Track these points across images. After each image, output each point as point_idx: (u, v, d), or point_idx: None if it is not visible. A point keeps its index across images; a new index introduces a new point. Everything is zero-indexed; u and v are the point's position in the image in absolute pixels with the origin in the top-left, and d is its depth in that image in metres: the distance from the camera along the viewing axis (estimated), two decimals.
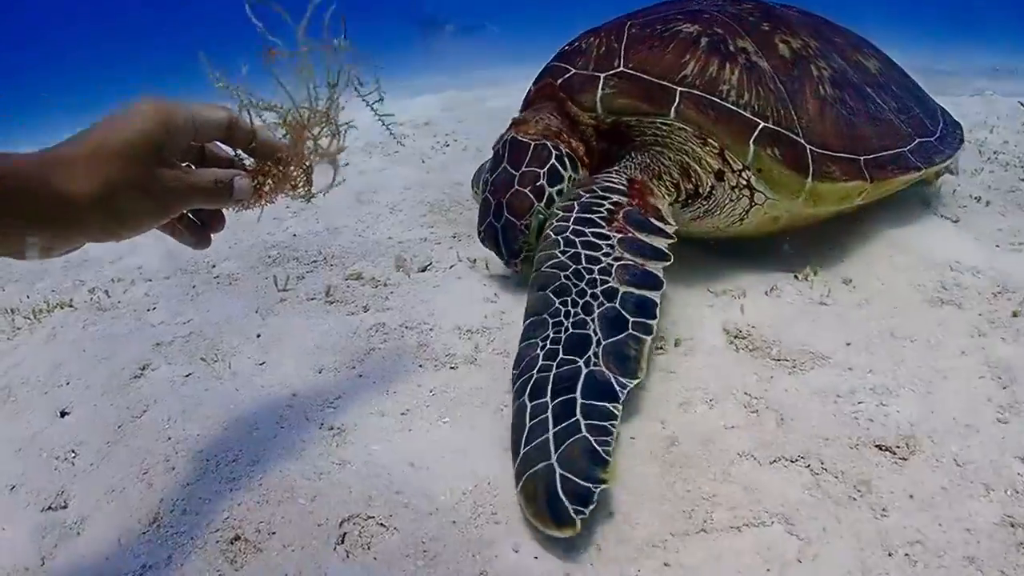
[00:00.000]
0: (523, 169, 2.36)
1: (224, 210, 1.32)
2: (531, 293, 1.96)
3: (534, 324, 1.87)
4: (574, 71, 2.48)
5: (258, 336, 2.24)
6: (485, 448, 1.69)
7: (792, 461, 1.64)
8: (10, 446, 1.91)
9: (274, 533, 1.48)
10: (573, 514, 1.41)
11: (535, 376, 1.72)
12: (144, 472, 1.71)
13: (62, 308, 2.60)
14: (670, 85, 2.31)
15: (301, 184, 1.35)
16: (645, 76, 2.34)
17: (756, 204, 2.35)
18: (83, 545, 1.55)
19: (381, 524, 1.49)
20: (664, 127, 2.34)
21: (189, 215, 1.30)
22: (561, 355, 1.75)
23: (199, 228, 1.33)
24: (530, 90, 2.71)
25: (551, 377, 1.70)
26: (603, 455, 1.51)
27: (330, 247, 2.93)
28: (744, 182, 2.31)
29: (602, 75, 2.39)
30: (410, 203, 3.39)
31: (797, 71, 2.44)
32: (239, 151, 1.31)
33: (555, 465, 1.49)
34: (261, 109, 1.26)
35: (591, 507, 1.43)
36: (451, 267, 2.66)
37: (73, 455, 1.83)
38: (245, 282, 2.65)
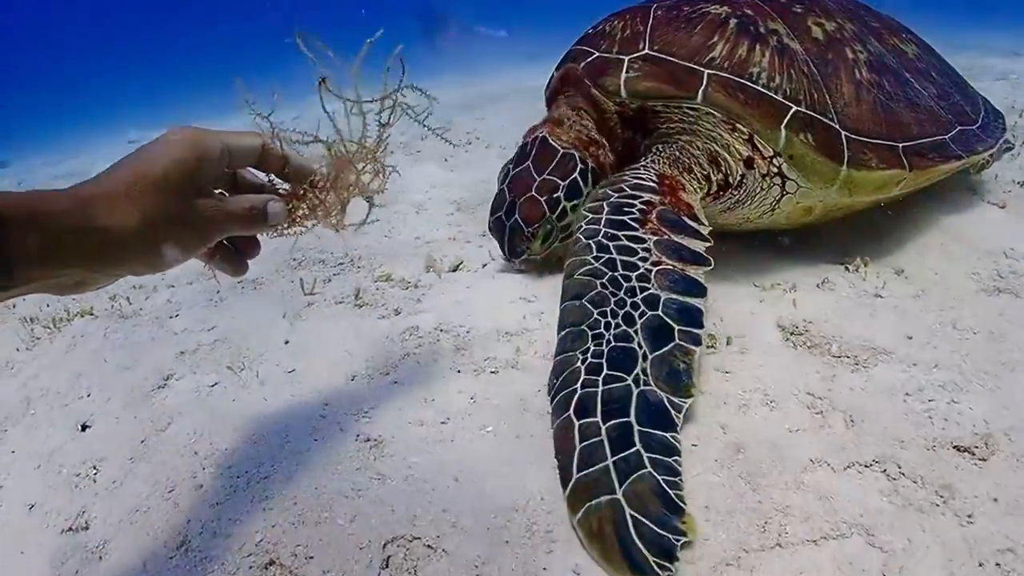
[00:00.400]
0: (544, 176, 2.29)
1: (259, 235, 1.30)
2: (565, 301, 1.83)
3: (572, 336, 1.74)
4: (597, 54, 2.36)
5: (286, 342, 2.12)
6: (533, 459, 1.56)
7: (867, 466, 1.51)
8: (29, 462, 1.80)
9: (312, 557, 1.36)
10: (657, 570, 1.26)
11: (579, 392, 1.59)
12: (170, 490, 1.60)
13: (82, 316, 2.50)
14: (697, 67, 2.18)
15: (335, 213, 1.32)
16: (671, 58, 2.22)
17: (788, 193, 2.22)
18: (106, 570, 1.43)
19: (428, 546, 1.36)
20: (691, 112, 2.21)
21: (224, 242, 1.27)
22: (606, 370, 1.62)
23: (235, 254, 1.30)
24: (552, 75, 2.59)
25: (599, 395, 1.57)
26: (676, 501, 1.37)
27: (356, 248, 2.80)
28: (775, 170, 2.18)
29: (626, 58, 2.27)
30: (436, 202, 3.28)
31: (831, 54, 2.31)
32: (272, 176, 1.29)
33: (622, 502, 1.35)
34: (302, 143, 1.25)
35: (677, 564, 1.29)
36: (483, 266, 2.53)
37: (95, 471, 1.73)
38: (270, 286, 2.53)
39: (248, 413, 1.80)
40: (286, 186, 1.30)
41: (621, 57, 2.28)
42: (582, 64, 2.36)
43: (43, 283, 0.98)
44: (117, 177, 1.00)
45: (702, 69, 2.17)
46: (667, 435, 1.49)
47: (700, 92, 2.14)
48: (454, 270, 2.51)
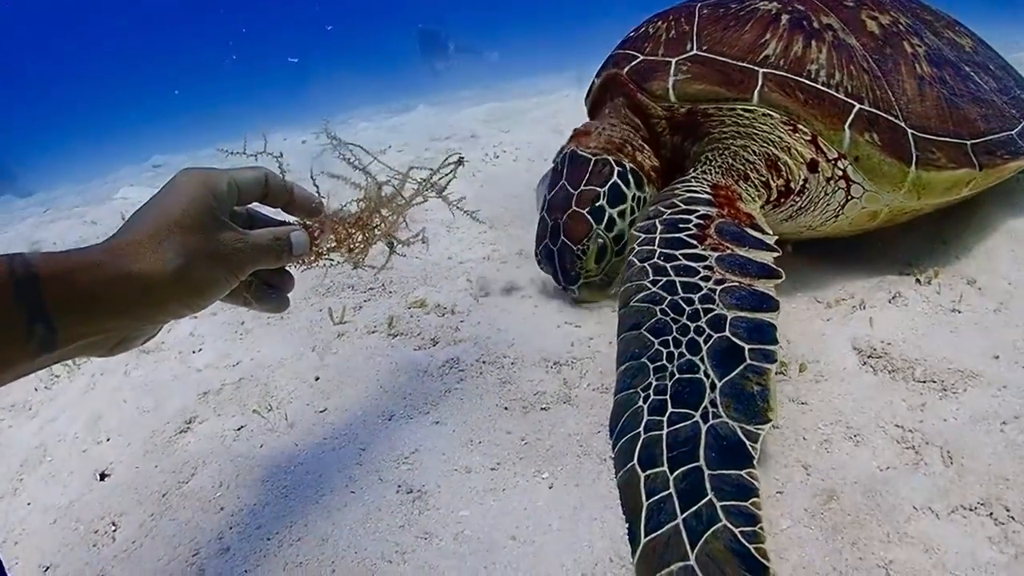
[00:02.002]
0: (582, 188, 2.09)
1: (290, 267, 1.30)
2: (622, 333, 1.64)
3: (631, 371, 1.54)
4: (642, 57, 2.18)
5: (316, 379, 1.93)
6: (596, 512, 1.35)
7: (972, 510, 1.30)
8: (45, 516, 1.64)
9: None
10: None
11: (643, 437, 1.39)
12: (194, 553, 1.41)
13: None
14: (751, 66, 2.01)
15: (358, 251, 1.33)
16: (722, 58, 2.04)
17: (853, 198, 2.02)
18: None
19: None
20: (746, 114, 2.02)
21: (257, 281, 1.27)
22: (671, 408, 1.42)
23: (271, 291, 1.30)
24: (593, 82, 2.41)
25: (663, 439, 1.37)
26: (757, 557, 1.16)
27: (386, 272, 2.61)
28: (840, 172, 1.98)
29: (674, 59, 2.10)
30: (467, 220, 3.04)
31: (889, 49, 2.12)
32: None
33: (695, 570, 1.15)
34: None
35: None
36: (522, 288, 2.34)
37: (113, 528, 1.56)
38: (298, 315, 2.34)
39: (277, 461, 1.62)
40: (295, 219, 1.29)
41: (668, 59, 2.09)
42: (626, 68, 2.18)
43: (88, 342, 0.97)
44: (140, 225, 1.00)
45: (756, 68, 1.98)
46: (742, 473, 1.29)
47: (756, 92, 1.96)
48: (486, 295, 2.31)
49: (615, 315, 1.72)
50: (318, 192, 1.30)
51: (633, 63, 2.17)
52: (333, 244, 1.29)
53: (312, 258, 1.27)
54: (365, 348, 2.06)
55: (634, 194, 2.11)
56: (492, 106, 6.44)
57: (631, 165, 2.13)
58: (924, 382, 1.64)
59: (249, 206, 1.27)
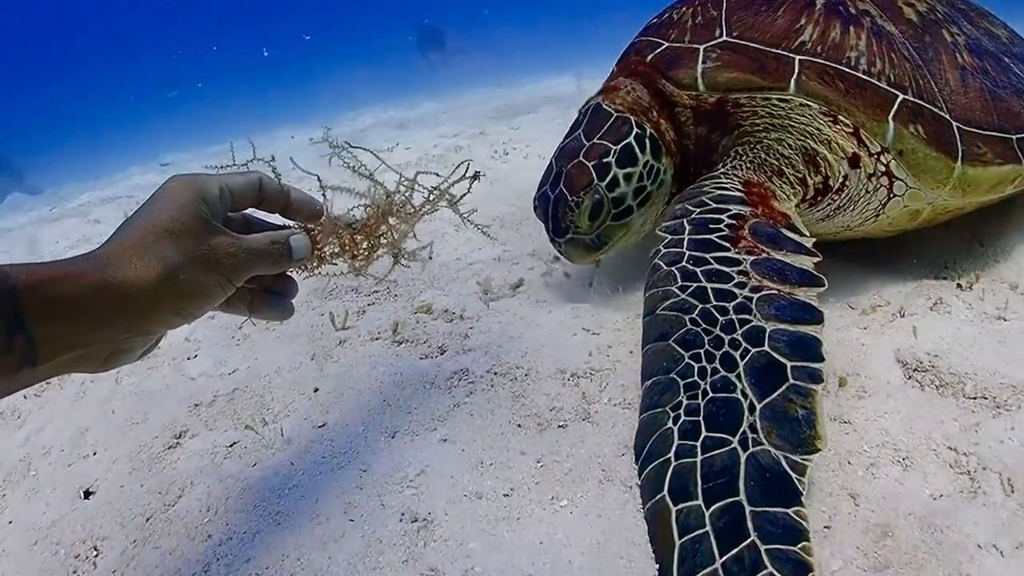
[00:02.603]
0: (595, 141, 1.94)
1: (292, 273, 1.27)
2: (648, 344, 1.48)
3: (659, 387, 1.39)
4: (667, 44, 2.01)
5: (315, 391, 1.78)
6: (623, 550, 1.19)
7: None
8: (25, 537, 1.52)
9: None
10: None
11: (673, 464, 1.24)
12: None
13: None
14: (786, 53, 1.84)
15: (362, 256, 1.29)
16: (754, 44, 1.88)
17: (895, 195, 1.86)
18: None
19: None
20: (782, 104, 1.85)
21: (257, 288, 1.23)
22: (704, 432, 1.26)
23: (273, 298, 1.26)
24: (613, 71, 2.23)
25: (697, 467, 1.21)
26: None
27: (391, 273, 2.46)
28: (883, 168, 1.82)
29: (702, 46, 1.93)
30: (476, 219, 2.89)
31: (929, 37, 1.96)
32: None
33: None
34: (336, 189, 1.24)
35: None
36: (535, 292, 2.18)
37: (95, 554, 1.43)
38: (298, 319, 2.19)
39: (271, 483, 1.48)
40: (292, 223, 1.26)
41: (695, 46, 1.93)
42: (649, 56, 2.01)
43: (73, 357, 0.92)
44: (128, 233, 0.98)
45: (791, 55, 1.82)
46: (788, 511, 1.13)
47: (792, 81, 1.80)
48: (495, 299, 2.16)
49: (637, 321, 1.57)
50: (325, 196, 1.24)
51: (658, 51, 2.00)
52: (336, 250, 1.24)
53: (314, 264, 1.23)
54: (368, 357, 1.91)
55: (647, 161, 1.94)
56: (501, 103, 6.29)
57: (652, 131, 1.97)
58: (975, 398, 1.48)
59: (246, 212, 1.23)
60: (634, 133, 1.93)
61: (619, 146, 1.92)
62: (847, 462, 1.34)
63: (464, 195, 1.33)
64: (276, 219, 1.28)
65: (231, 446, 1.64)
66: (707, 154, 1.98)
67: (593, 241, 1.97)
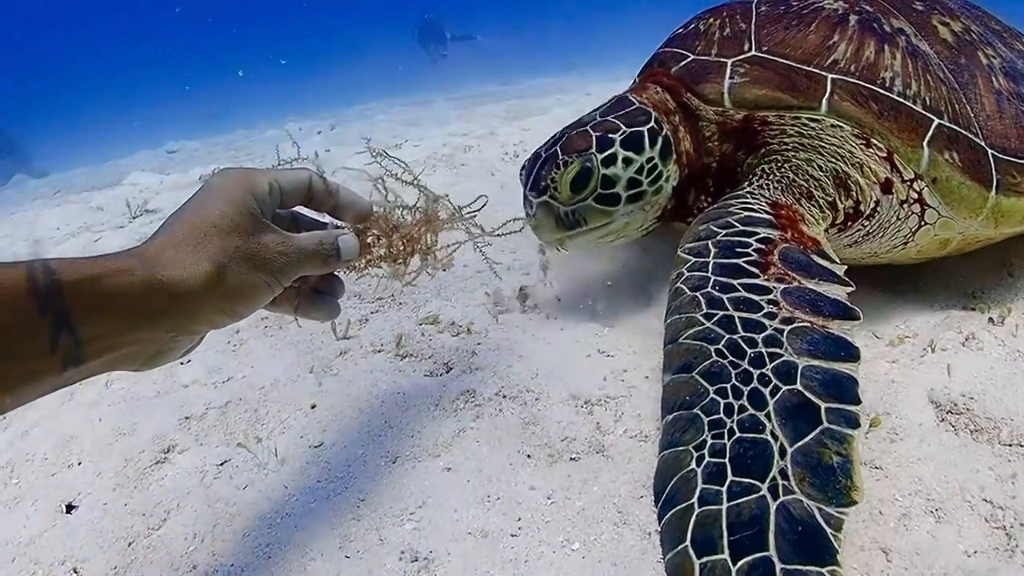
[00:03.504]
0: (609, 117, 1.81)
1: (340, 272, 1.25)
2: (670, 375, 1.36)
3: (681, 423, 1.27)
4: (692, 57, 1.89)
5: (312, 407, 1.67)
6: None
7: None
8: (4, 552, 1.40)
9: None
10: None
11: (697, 511, 1.13)
12: None
13: None
14: (818, 71, 1.73)
15: (402, 259, 1.27)
16: (785, 60, 1.76)
17: (926, 223, 1.74)
18: None
19: None
20: (812, 125, 1.73)
21: (304, 288, 1.22)
22: (731, 475, 1.15)
23: (320, 298, 1.23)
24: (635, 82, 2.11)
25: (723, 516, 1.10)
26: None
27: (416, 279, 2.35)
28: (915, 196, 1.70)
29: (729, 60, 1.81)
30: (485, 223, 2.77)
31: (964, 59, 1.84)
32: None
33: None
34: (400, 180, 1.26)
35: None
36: (547, 306, 2.06)
37: None
38: (296, 327, 2.08)
39: (262, 509, 1.37)
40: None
41: (723, 60, 1.81)
42: (674, 69, 1.89)
43: (119, 355, 0.89)
44: (175, 229, 0.95)
45: (824, 73, 1.71)
46: (824, 572, 1.02)
47: (824, 100, 1.68)
48: (503, 312, 2.04)
49: (654, 343, 1.45)
50: (381, 190, 1.24)
51: (683, 63, 1.88)
52: (383, 252, 1.24)
53: (362, 264, 1.23)
54: (369, 371, 1.79)
55: (652, 157, 1.79)
56: (512, 103, 6.16)
57: (670, 133, 1.84)
58: (1011, 445, 1.36)
59: (294, 209, 1.20)
60: (649, 126, 1.80)
61: (630, 129, 1.78)
62: (879, 512, 1.23)
63: (479, 210, 1.32)
64: (319, 216, 1.24)
65: (222, 464, 1.53)
66: (731, 172, 1.86)
67: (566, 215, 1.79)
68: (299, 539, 1.27)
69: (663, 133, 1.81)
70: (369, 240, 1.21)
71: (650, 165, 1.79)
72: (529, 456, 1.42)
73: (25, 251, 3.77)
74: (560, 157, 1.75)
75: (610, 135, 1.77)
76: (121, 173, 6.22)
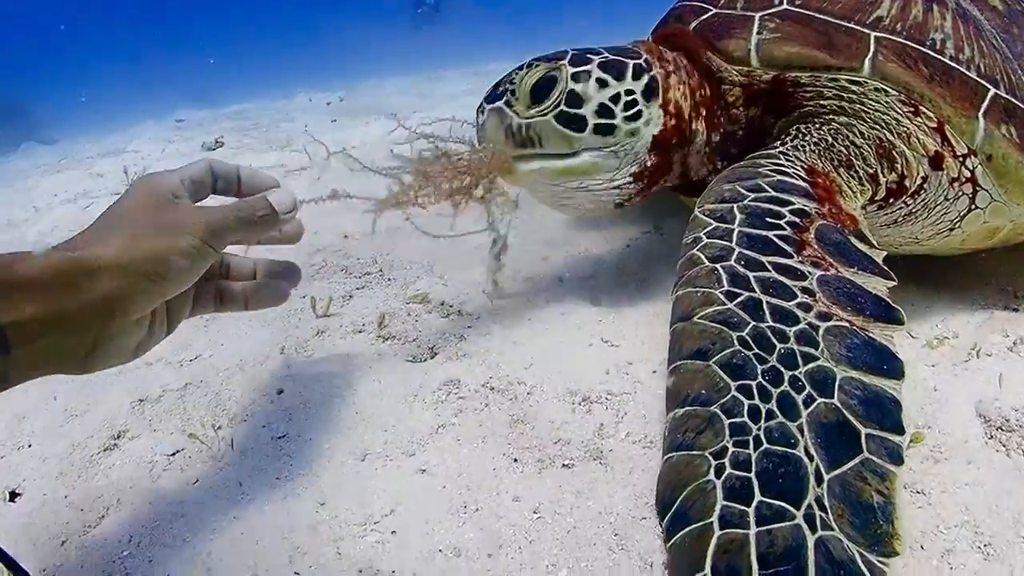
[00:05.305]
0: (599, 47, 1.57)
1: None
2: (679, 357, 1.14)
3: (695, 422, 1.06)
4: (715, 10, 1.64)
5: (279, 392, 1.47)
6: None
7: None
8: None
9: None
10: None
11: (718, 534, 0.92)
12: None
13: None
14: (860, 28, 1.49)
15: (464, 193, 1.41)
16: (821, 15, 1.52)
17: (977, 207, 1.52)
18: None
19: None
20: (853, 88, 1.50)
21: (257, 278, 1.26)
22: (759, 495, 0.95)
23: (266, 286, 1.25)
24: (647, 41, 1.87)
25: (751, 544, 0.90)
26: None
27: (387, 254, 2.14)
28: (967, 174, 1.48)
29: (757, 14, 1.57)
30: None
31: (1017, 28, 1.62)
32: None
33: None
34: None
35: None
36: (548, 288, 1.85)
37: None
38: None
39: (209, 510, 1.17)
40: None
41: (749, 14, 1.57)
42: (693, 24, 1.65)
43: (48, 344, 0.87)
44: (92, 225, 0.98)
45: (866, 31, 1.48)
46: None
47: (867, 61, 1.45)
48: (500, 297, 1.82)
49: (663, 329, 1.24)
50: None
51: (703, 17, 1.64)
52: (449, 186, 1.36)
53: (432, 201, 1.36)
54: (346, 354, 1.59)
55: (630, 90, 1.51)
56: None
57: (660, 76, 1.57)
58: None
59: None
60: (636, 62, 1.54)
61: (613, 57, 1.53)
62: (920, 546, 1.02)
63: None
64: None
65: (173, 455, 1.34)
66: (760, 138, 1.63)
67: (519, 129, 1.50)
68: (245, 549, 1.08)
69: (652, 74, 1.55)
70: (436, 175, 1.32)
71: (629, 98, 1.51)
72: (516, 460, 1.21)
73: (21, 217, 3.61)
74: (527, 63, 1.52)
75: (588, 55, 1.53)
76: (126, 142, 6.04)
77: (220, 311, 1.22)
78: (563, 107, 1.48)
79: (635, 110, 1.52)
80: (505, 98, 1.50)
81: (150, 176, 1.05)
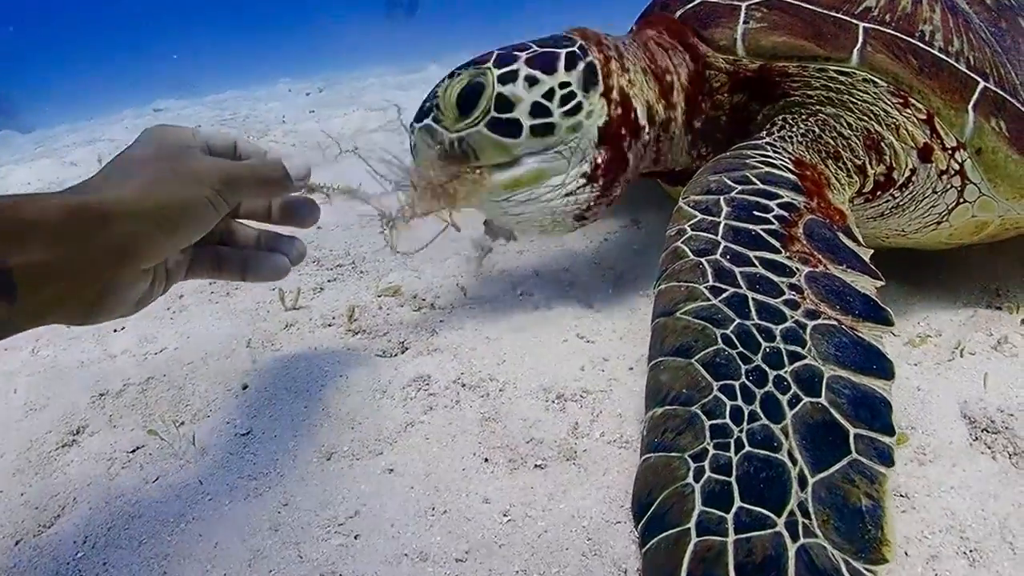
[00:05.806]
0: (526, 42, 1.45)
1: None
2: (659, 355, 1.10)
3: (674, 422, 1.01)
4: None
5: (244, 387, 1.42)
6: None
7: None
8: None
9: None
10: None
11: (695, 541, 0.88)
12: None
13: None
14: (848, 19, 1.47)
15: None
16: (808, 5, 1.49)
17: (965, 201, 1.50)
18: None
19: None
20: (841, 78, 1.47)
21: (256, 247, 1.21)
22: (738, 500, 0.91)
23: (270, 256, 1.19)
24: (632, 30, 1.82)
25: (729, 552, 0.86)
26: None
27: (361, 246, 2.09)
28: (956, 167, 1.45)
29: (744, 3, 1.53)
30: None
31: (1005, 22, 1.60)
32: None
33: None
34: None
35: None
36: (523, 282, 1.81)
37: None
38: (244, 293, 1.83)
39: (168, 510, 1.12)
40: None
41: (736, 2, 1.53)
42: (680, 12, 1.61)
43: (55, 294, 0.80)
44: (104, 168, 0.93)
45: (855, 21, 1.45)
46: None
47: (855, 51, 1.42)
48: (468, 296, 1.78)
49: (644, 328, 1.19)
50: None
51: (689, 5, 1.61)
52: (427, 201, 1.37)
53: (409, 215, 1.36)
54: (314, 348, 1.54)
55: (564, 83, 1.39)
56: None
57: (599, 62, 1.45)
58: None
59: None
60: (568, 51, 1.42)
61: (542, 49, 1.42)
62: (904, 552, 0.99)
63: None
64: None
65: (133, 451, 1.28)
66: (745, 124, 1.59)
67: (452, 145, 1.40)
68: (202, 552, 1.03)
69: (587, 59, 1.44)
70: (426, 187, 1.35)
71: (564, 91, 1.39)
72: (486, 460, 1.17)
73: None
74: (450, 73, 1.42)
75: (515, 53, 1.41)
76: (103, 130, 5.93)
77: (216, 277, 1.18)
78: (493, 113, 1.37)
79: (574, 103, 1.40)
80: (433, 114, 1.40)
81: (162, 126, 1.02)
